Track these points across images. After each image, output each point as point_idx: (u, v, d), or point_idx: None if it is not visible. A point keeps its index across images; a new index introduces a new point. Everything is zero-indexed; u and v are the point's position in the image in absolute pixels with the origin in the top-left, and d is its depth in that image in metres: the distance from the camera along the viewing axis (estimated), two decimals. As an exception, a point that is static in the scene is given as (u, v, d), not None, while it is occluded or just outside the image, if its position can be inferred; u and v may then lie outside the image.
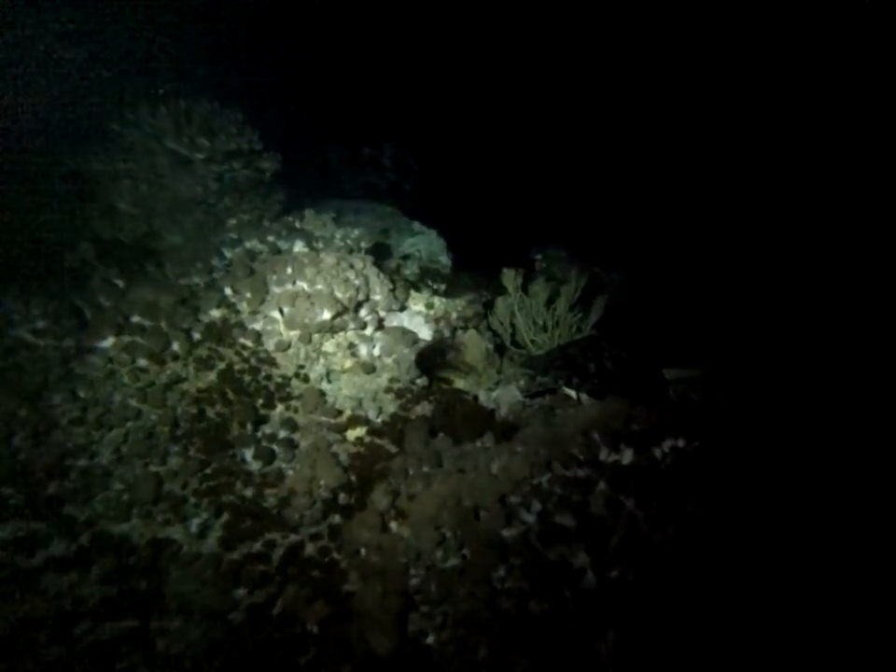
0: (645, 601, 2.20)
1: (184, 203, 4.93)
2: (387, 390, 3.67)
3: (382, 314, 4.35)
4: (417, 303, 4.73)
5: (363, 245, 5.30)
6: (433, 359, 3.98)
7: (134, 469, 2.99)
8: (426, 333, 4.50)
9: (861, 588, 2.25)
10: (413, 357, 3.85)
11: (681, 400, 3.93)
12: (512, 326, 5.04)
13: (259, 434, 3.30)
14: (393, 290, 4.54)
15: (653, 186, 7.80)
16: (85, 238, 4.50)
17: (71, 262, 4.25)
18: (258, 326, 3.65)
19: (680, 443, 2.63)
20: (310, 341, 3.68)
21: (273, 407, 3.43)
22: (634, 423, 2.78)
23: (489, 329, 4.96)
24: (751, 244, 6.96)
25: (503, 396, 3.79)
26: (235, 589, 2.71)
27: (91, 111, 4.72)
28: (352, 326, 3.90)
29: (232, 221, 5.23)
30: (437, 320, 4.66)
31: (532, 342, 5.00)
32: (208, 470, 3.08)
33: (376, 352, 3.83)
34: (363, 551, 2.83)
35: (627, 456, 2.57)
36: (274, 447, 3.26)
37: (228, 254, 4.49)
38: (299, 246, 4.87)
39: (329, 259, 4.29)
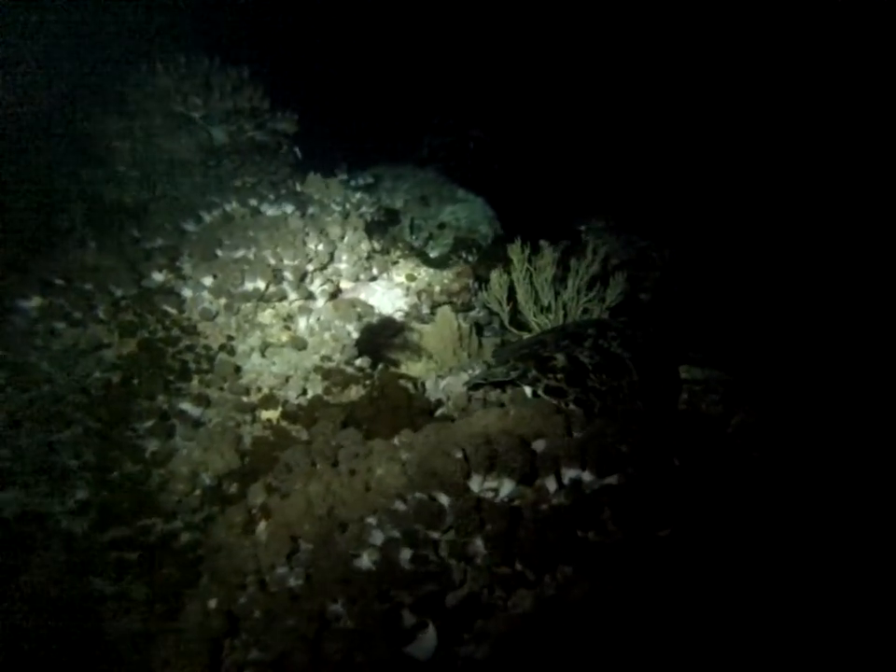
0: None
1: (182, 165, 4.82)
2: (317, 369, 3.26)
3: (346, 284, 3.93)
4: (400, 274, 4.24)
5: (365, 209, 4.88)
6: (381, 338, 3.49)
7: (27, 437, 2.88)
8: (400, 307, 4.01)
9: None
10: (356, 335, 3.40)
11: (657, 411, 3.09)
12: (514, 304, 4.36)
13: (166, 408, 3.06)
14: (369, 259, 4.09)
15: (725, 149, 6.46)
16: (83, 199, 4.56)
17: (62, 223, 4.31)
18: (188, 293, 3.40)
19: (586, 477, 1.93)
20: (237, 311, 3.36)
21: (189, 380, 3.17)
22: (544, 438, 2.12)
23: (485, 306, 4.34)
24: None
25: (452, 386, 3.21)
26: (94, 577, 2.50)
27: (97, 71, 4.72)
28: (294, 296, 3.53)
29: (236, 183, 5.05)
30: (418, 293, 4.14)
31: (537, 324, 4.30)
32: (101, 444, 2.90)
33: (315, 326, 3.43)
34: (222, 551, 2.48)
35: (506, 488, 1.93)
36: (176, 424, 3.01)
37: (207, 217, 4.31)
38: (286, 210, 4.56)
39: (295, 223, 3.94)
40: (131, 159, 4.72)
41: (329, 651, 1.88)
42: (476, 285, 4.35)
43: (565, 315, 4.21)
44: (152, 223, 4.22)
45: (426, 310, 4.00)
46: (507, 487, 1.91)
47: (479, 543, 1.75)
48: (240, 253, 3.64)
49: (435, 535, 1.88)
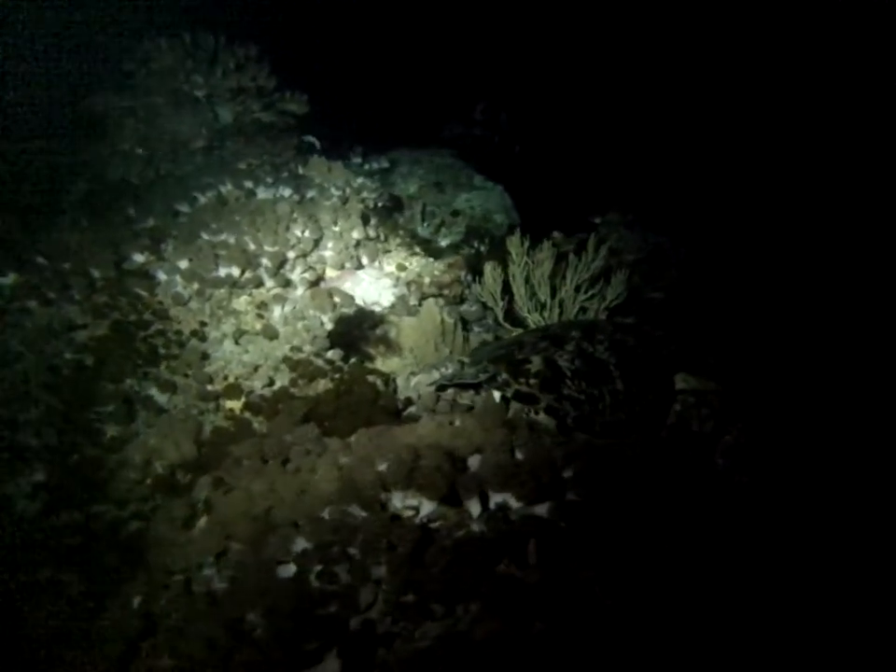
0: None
1: (185, 145, 4.78)
2: (286, 360, 3.15)
3: (332, 272, 3.80)
4: (391, 264, 4.08)
5: (367, 195, 4.73)
6: (358, 330, 3.35)
7: (-9, 414, 2.89)
8: (386, 298, 3.87)
9: None
10: (330, 326, 3.28)
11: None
12: (511, 299, 4.15)
13: (131, 393, 3.02)
14: (358, 247, 3.96)
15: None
16: (87, 177, 4.58)
17: (60, 201, 4.33)
18: (163, 276, 3.34)
19: (513, 503, 1.74)
20: (210, 297, 3.28)
21: (157, 365, 3.12)
22: (482, 453, 1.94)
23: (479, 300, 4.15)
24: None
25: (423, 384, 3.06)
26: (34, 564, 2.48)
27: (104, 45, 4.70)
28: (271, 283, 3.42)
29: (240, 165, 4.98)
30: (408, 284, 3.98)
31: (533, 321, 4.08)
32: (63, 426, 2.89)
33: (289, 315, 3.32)
34: (160, 546, 2.42)
35: (425, 508, 1.77)
36: (139, 409, 2.96)
37: (202, 199, 4.25)
38: (284, 194, 4.46)
39: (283, 208, 3.84)
40: (135, 137, 4.70)
41: (235, 667, 1.79)
42: (470, 277, 4.16)
43: (560, 314, 3.98)
44: (148, 204, 4.20)
45: (413, 302, 3.84)
46: (426, 507, 1.75)
47: (383, 568, 1.60)
48: (221, 237, 3.56)
49: (352, 551, 1.75)
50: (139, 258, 3.51)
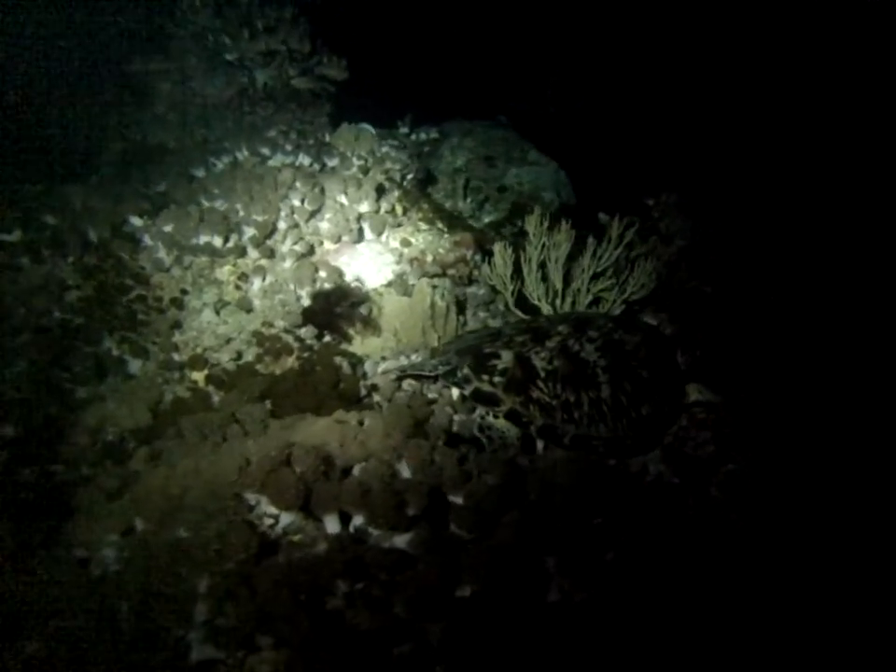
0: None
1: (215, 109, 4.76)
2: (255, 334, 3.02)
3: (329, 245, 3.62)
4: (397, 238, 3.83)
5: (391, 165, 4.50)
6: (340, 308, 3.15)
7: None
8: (385, 275, 3.63)
9: None
10: (307, 301, 3.10)
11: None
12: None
13: (104, 356, 3.02)
14: (361, 220, 3.74)
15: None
16: (124, 138, 4.69)
17: (99, 164, 4.47)
18: (149, 242, 3.30)
19: (373, 529, 1.46)
20: (190, 265, 3.20)
21: (133, 330, 3.10)
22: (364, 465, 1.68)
23: (489, 283, 3.80)
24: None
25: (390, 371, 2.81)
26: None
27: (147, 8, 4.74)
28: (255, 253, 3.29)
29: (271, 132, 4.91)
30: (410, 261, 3.72)
31: (543, 310, 3.68)
32: (40, 382, 2.94)
33: (268, 288, 3.17)
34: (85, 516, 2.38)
35: (283, 518, 1.54)
36: (109, 373, 2.96)
37: (219, 164, 4.20)
38: (302, 161, 4.32)
39: (285, 176, 3.69)
40: (169, 101, 4.74)
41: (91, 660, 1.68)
42: (478, 257, 3.81)
43: (574, 303, 3.56)
44: (169, 167, 4.22)
45: (412, 281, 3.57)
46: (284, 518, 1.53)
47: (205, 582, 1.40)
48: (216, 204, 3.48)
49: (195, 554, 1.57)
50: (137, 222, 3.50)
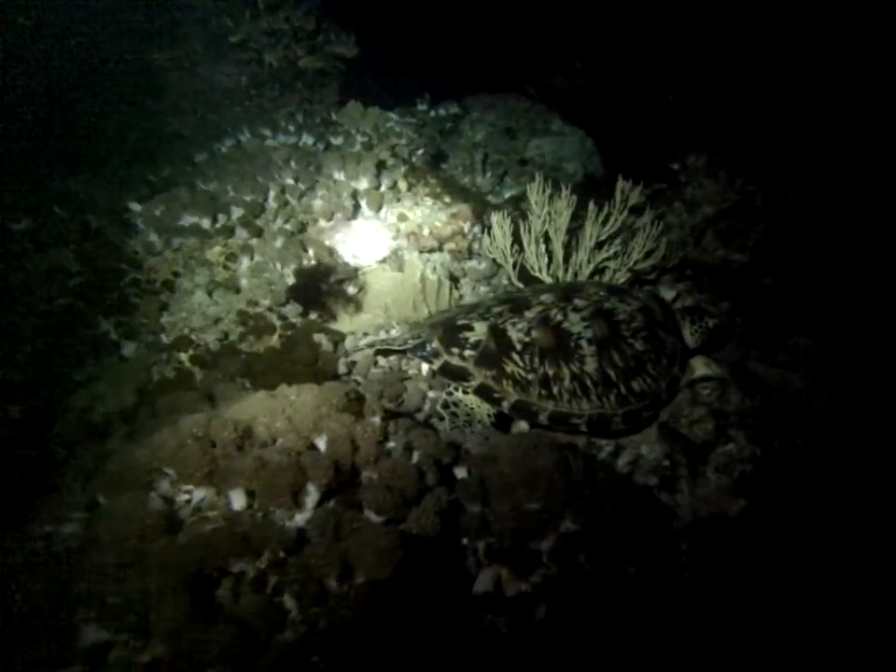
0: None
1: (223, 94, 4.78)
2: (240, 314, 2.99)
3: (324, 223, 3.54)
4: (393, 213, 3.71)
5: (396, 140, 4.39)
6: (326, 284, 3.07)
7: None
8: (380, 251, 3.52)
9: None
10: (291, 280, 3.04)
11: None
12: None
13: (100, 339, 3.08)
14: (354, 196, 3.64)
15: None
16: (142, 128, 4.80)
17: (113, 152, 4.59)
18: (142, 226, 3.33)
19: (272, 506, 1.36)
20: (179, 247, 3.21)
21: (127, 314, 3.15)
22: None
23: (489, 256, 3.62)
24: None
25: (362, 347, 2.71)
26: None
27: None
28: (244, 233, 3.26)
29: (279, 114, 4.89)
30: (407, 236, 3.59)
31: (551, 278, 3.46)
32: (42, 364, 3.04)
33: (255, 268, 3.13)
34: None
35: (196, 494, 1.47)
36: (105, 356, 3.02)
37: (222, 148, 4.21)
38: (306, 141, 4.26)
39: (279, 155, 3.64)
40: (180, 89, 4.80)
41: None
42: (477, 229, 3.63)
43: (576, 275, 3.33)
44: (176, 154, 4.28)
45: (408, 257, 3.45)
46: (196, 494, 1.46)
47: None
48: (210, 186, 3.47)
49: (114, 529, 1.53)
50: (136, 207, 3.55)
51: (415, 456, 1.55)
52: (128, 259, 3.24)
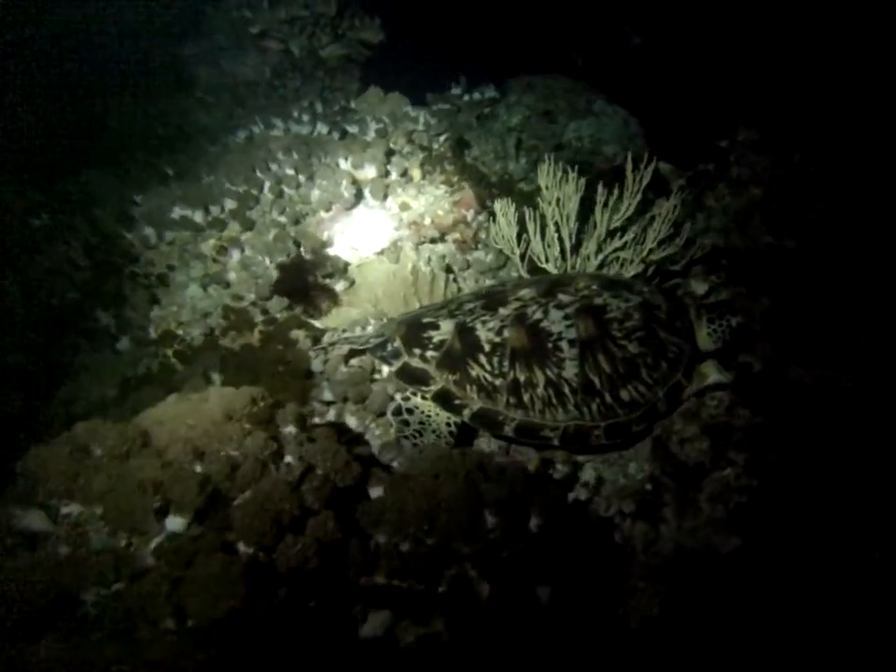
0: None
1: (248, 87, 4.76)
2: (225, 308, 2.92)
3: (323, 214, 3.42)
4: (397, 202, 3.53)
5: (412, 126, 4.21)
6: (315, 278, 2.93)
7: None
8: (381, 242, 3.36)
9: None
10: (275, 273, 2.93)
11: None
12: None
13: (97, 331, 3.12)
14: (355, 184, 3.49)
15: None
16: (168, 126, 4.87)
17: (138, 148, 4.70)
18: (138, 218, 3.34)
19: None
20: (172, 240, 3.18)
21: (122, 307, 3.16)
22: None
23: (496, 245, 3.36)
24: None
25: (326, 344, 2.54)
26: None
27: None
28: (236, 226, 3.18)
29: (303, 104, 4.82)
30: (409, 225, 3.40)
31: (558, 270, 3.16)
32: (41, 355, 3.11)
33: (244, 261, 3.05)
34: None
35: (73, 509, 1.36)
36: (100, 348, 3.05)
37: (235, 140, 4.19)
38: (321, 130, 4.16)
39: (278, 144, 3.55)
40: (206, 83, 4.83)
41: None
42: (482, 217, 3.38)
43: (585, 267, 3.00)
44: (195, 148, 4.30)
45: (408, 247, 3.26)
46: (69, 508, 1.35)
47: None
48: (207, 178, 3.43)
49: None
50: (140, 200, 3.57)
51: (316, 474, 1.37)
52: (124, 253, 3.26)
